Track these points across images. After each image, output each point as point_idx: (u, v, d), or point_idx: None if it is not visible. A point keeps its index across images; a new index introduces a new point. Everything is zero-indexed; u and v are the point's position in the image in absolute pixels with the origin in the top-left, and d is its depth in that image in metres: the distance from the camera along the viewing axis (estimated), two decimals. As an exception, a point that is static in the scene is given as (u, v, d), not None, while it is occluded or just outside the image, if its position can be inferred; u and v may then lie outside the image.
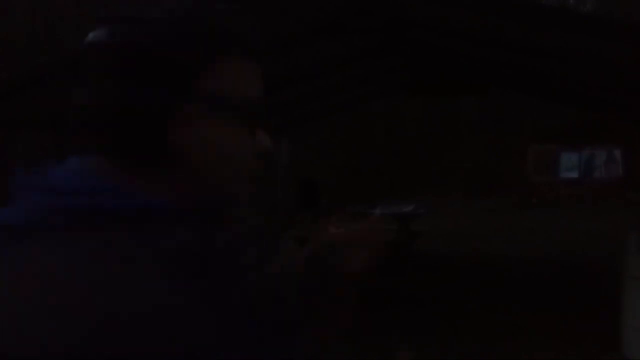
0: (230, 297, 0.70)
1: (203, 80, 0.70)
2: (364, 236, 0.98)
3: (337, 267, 0.95)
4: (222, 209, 0.76)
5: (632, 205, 13.01)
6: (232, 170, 0.74)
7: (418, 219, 9.05)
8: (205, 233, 0.71)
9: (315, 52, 6.50)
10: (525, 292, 6.66)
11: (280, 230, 8.30)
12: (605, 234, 9.41)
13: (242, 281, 0.75)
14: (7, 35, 14.57)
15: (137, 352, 0.57)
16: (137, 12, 0.70)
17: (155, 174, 0.70)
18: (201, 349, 0.62)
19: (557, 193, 16.34)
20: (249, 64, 0.74)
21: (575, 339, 5.02)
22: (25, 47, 14.36)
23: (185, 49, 0.69)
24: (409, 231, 8.76)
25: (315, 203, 9.12)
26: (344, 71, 7.84)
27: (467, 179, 17.98)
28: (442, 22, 5.29)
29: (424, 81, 8.49)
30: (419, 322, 5.62)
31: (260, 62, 0.76)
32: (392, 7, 5.19)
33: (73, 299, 0.58)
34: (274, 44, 5.26)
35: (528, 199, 16.07)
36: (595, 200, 15.45)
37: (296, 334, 0.85)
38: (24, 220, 0.64)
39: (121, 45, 0.68)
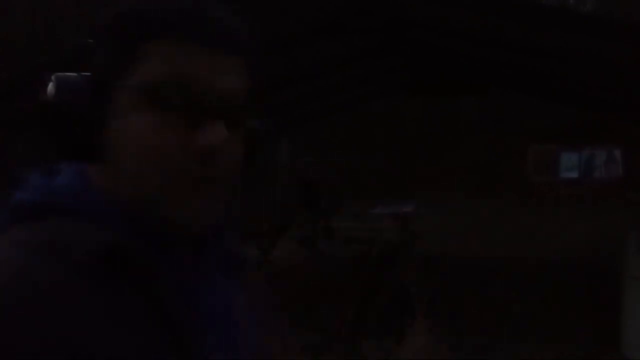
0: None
1: (133, 69, 0.65)
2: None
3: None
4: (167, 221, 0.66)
5: (632, 205, 13.00)
6: (160, 168, 0.65)
7: (418, 219, 9.05)
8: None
9: (315, 52, 6.50)
10: (525, 292, 6.66)
11: (280, 230, 8.30)
12: (605, 234, 9.40)
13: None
14: (7, 35, 14.57)
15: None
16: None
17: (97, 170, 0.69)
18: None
19: (557, 193, 16.33)
20: (193, 48, 0.65)
21: (575, 338, 5.02)
22: (25, 47, 14.36)
23: (115, 35, 0.66)
24: (409, 231, 8.76)
25: (315, 203, 9.12)
26: (344, 71, 7.84)
27: (467, 179, 17.97)
28: (442, 22, 5.29)
29: (424, 81, 8.49)
30: (419, 322, 5.61)
31: (213, 45, 0.66)
32: (392, 7, 5.19)
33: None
34: (274, 44, 5.26)
35: (528, 199, 16.06)
36: (595, 200, 15.44)
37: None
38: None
39: None
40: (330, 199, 9.94)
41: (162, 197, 0.65)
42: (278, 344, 0.86)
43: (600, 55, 4.40)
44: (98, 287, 0.61)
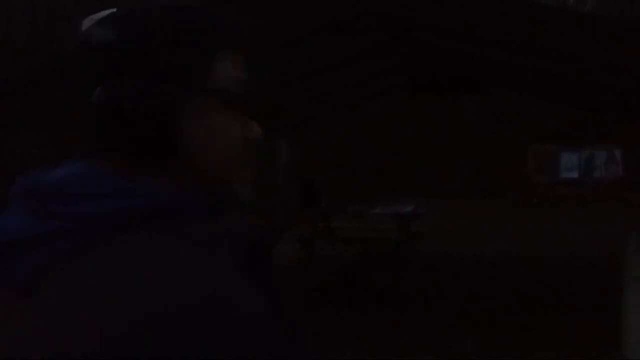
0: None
1: (207, 74, 0.72)
2: None
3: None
4: (236, 199, 0.77)
5: (632, 205, 13.01)
6: (234, 160, 0.75)
7: (418, 219, 9.04)
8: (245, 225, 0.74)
9: (315, 52, 6.51)
10: (525, 292, 6.66)
11: (281, 230, 8.30)
12: (605, 234, 9.40)
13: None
14: (7, 35, 14.58)
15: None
16: (137, 11, 0.71)
17: (166, 170, 0.71)
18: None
19: (557, 193, 16.34)
20: (242, 56, 0.76)
21: (575, 339, 5.02)
22: (25, 47, 14.36)
23: (188, 45, 0.71)
24: (409, 231, 8.75)
25: (315, 203, 9.12)
26: (344, 71, 7.85)
27: (467, 179, 17.98)
28: (442, 22, 5.30)
29: (424, 81, 8.49)
30: (420, 322, 5.62)
31: (251, 54, 0.78)
32: (392, 7, 5.20)
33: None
34: (275, 43, 5.26)
35: (528, 199, 16.06)
36: (595, 201, 15.45)
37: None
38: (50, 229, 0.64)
39: (129, 44, 0.68)
40: (330, 199, 9.95)
41: (237, 184, 0.76)
42: None
43: (600, 55, 4.41)
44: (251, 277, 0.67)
